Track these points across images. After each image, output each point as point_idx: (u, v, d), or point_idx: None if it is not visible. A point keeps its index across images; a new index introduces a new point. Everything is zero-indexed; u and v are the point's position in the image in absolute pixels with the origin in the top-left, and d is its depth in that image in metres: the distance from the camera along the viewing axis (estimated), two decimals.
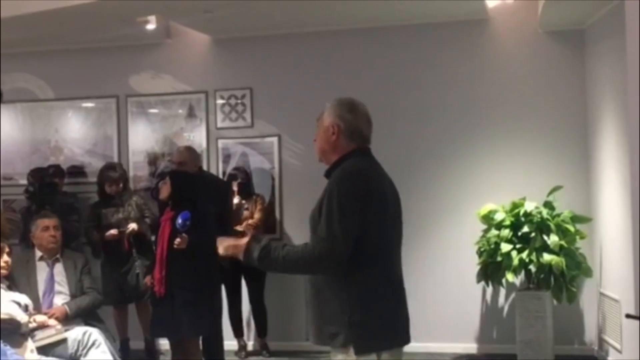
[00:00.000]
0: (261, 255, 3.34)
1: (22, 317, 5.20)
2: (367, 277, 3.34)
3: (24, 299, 5.49)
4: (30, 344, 5.20)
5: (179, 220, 5.69)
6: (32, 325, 5.36)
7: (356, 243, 3.28)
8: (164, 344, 7.50)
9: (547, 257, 6.70)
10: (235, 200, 7.38)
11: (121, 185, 7.48)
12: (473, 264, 7.10)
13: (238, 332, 7.60)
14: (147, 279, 5.99)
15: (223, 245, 3.48)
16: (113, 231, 7.19)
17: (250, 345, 7.78)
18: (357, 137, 3.48)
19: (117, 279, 7.23)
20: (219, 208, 6.57)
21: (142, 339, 7.48)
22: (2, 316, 4.98)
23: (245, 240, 3.43)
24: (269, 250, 3.34)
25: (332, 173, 3.44)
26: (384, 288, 3.38)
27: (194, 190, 6.08)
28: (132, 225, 7.22)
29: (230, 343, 7.29)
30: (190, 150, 7.12)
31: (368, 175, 3.42)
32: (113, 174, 7.46)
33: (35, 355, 5.17)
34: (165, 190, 5.99)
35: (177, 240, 5.73)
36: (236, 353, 7.55)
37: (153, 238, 6.75)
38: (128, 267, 7.23)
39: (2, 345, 4.77)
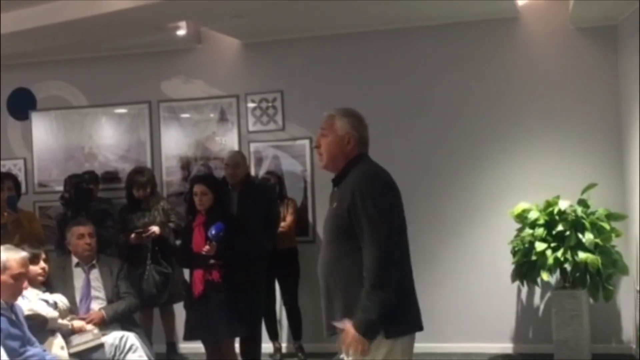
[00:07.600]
0: (371, 321, 3.43)
1: (47, 312, 5.24)
2: None
3: (56, 297, 5.53)
4: (59, 341, 5.24)
5: (212, 232, 5.69)
6: (65, 324, 5.43)
7: None
8: (185, 347, 7.55)
9: (582, 255, 6.64)
10: None
11: (148, 189, 7.49)
12: (508, 263, 7.06)
13: (272, 335, 7.61)
14: (206, 248, 5.81)
15: (350, 349, 3.50)
16: (133, 235, 7.16)
17: (284, 348, 7.80)
18: (364, 145, 3.77)
19: (138, 283, 7.26)
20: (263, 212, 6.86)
21: (163, 342, 7.55)
22: (26, 312, 5.02)
23: (352, 332, 3.46)
24: (369, 313, 3.41)
25: (346, 178, 3.66)
26: (405, 275, 3.61)
27: (228, 196, 6.13)
28: (154, 229, 7.21)
29: (265, 345, 7.31)
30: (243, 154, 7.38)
31: (387, 174, 3.68)
32: (141, 178, 7.48)
33: (65, 352, 5.23)
34: (206, 201, 5.96)
35: (206, 247, 5.75)
36: (271, 355, 7.57)
37: (178, 243, 6.82)
38: (142, 271, 7.20)
39: (40, 348, 4.83)
